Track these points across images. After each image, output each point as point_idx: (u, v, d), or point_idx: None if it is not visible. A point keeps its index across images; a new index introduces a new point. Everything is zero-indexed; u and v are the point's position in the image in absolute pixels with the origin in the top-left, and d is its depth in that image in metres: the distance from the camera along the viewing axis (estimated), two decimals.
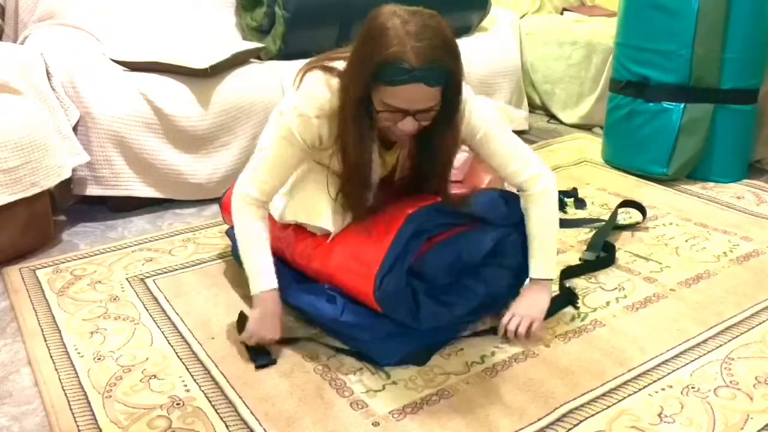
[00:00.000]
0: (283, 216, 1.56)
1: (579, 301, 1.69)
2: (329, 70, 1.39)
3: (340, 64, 1.38)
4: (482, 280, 1.49)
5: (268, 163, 1.43)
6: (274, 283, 1.45)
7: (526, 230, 1.52)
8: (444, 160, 1.42)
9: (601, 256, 1.91)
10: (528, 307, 1.51)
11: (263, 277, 1.45)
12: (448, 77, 1.24)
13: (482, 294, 1.49)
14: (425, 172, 1.45)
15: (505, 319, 1.51)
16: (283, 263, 1.62)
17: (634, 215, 2.19)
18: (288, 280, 1.58)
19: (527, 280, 1.54)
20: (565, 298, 1.67)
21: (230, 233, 1.83)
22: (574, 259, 1.93)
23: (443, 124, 1.34)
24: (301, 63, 2.49)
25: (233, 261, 1.88)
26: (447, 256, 1.46)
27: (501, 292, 1.57)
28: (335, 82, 1.37)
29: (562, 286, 1.74)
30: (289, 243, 1.56)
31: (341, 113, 1.34)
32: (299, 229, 1.56)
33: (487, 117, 1.42)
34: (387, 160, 1.49)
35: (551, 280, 1.54)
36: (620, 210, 2.19)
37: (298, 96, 1.41)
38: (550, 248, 1.52)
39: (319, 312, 1.49)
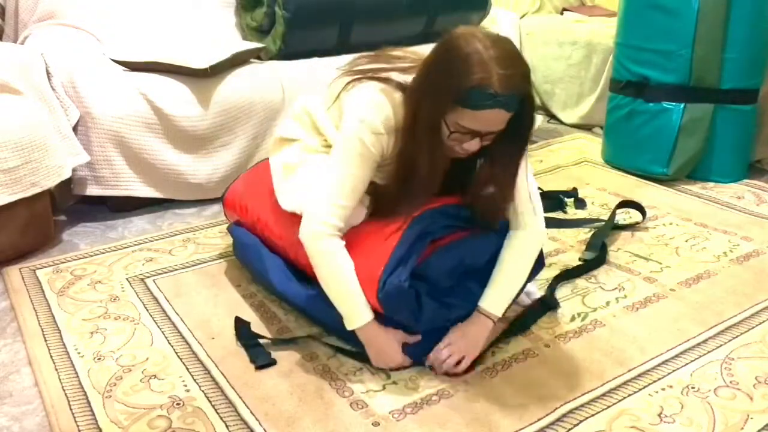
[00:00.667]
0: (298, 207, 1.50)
1: (559, 308, 1.68)
2: (386, 81, 1.38)
3: (394, 75, 1.37)
4: (484, 284, 1.48)
5: (349, 185, 1.36)
6: (371, 311, 1.39)
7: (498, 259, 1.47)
8: (509, 180, 1.39)
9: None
10: (466, 342, 1.43)
11: (363, 308, 1.38)
12: (523, 103, 1.27)
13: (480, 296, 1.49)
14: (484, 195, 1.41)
15: (439, 347, 1.43)
16: (285, 261, 1.62)
17: (634, 215, 2.19)
18: (290, 278, 1.58)
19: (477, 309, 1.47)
20: (543, 307, 1.65)
21: (232, 230, 1.83)
22: (573, 259, 1.93)
23: (509, 144, 1.34)
24: (301, 63, 2.54)
25: (233, 261, 1.88)
26: (450, 260, 1.46)
27: None
28: (398, 96, 1.35)
29: (551, 288, 1.73)
30: (292, 243, 1.56)
31: (410, 131, 1.32)
32: None
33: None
34: None
35: (497, 318, 1.46)
36: (620, 210, 2.20)
37: (360, 108, 1.36)
38: (513, 287, 1.47)
39: (321, 310, 1.49)
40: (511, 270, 1.46)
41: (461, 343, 1.43)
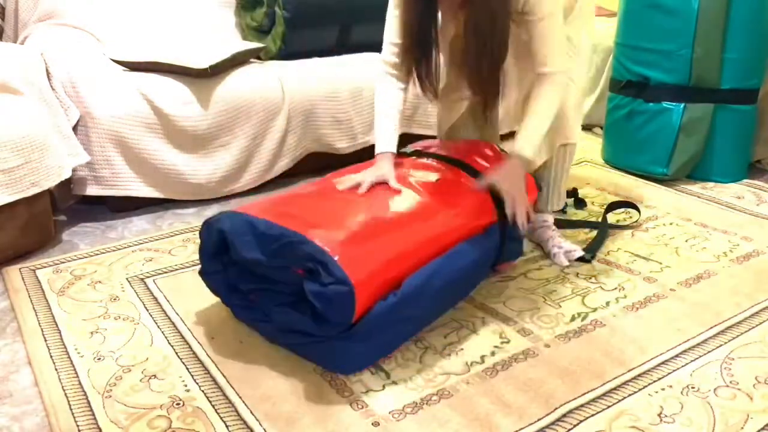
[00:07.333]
0: None
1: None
2: None
3: None
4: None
5: (393, 26, 1.72)
6: (390, 147, 1.69)
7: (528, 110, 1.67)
8: (499, 23, 1.58)
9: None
10: (509, 180, 1.62)
11: (382, 142, 1.70)
12: None
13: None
14: (481, 36, 1.59)
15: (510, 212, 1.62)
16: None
17: (634, 215, 2.19)
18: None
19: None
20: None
21: None
22: None
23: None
24: (301, 63, 2.53)
25: None
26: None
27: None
28: None
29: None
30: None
31: None
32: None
33: (547, 9, 1.60)
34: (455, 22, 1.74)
35: (529, 161, 1.68)
36: (620, 210, 2.20)
37: None
38: (540, 130, 1.65)
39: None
40: (540, 109, 1.65)
41: (508, 184, 1.61)
